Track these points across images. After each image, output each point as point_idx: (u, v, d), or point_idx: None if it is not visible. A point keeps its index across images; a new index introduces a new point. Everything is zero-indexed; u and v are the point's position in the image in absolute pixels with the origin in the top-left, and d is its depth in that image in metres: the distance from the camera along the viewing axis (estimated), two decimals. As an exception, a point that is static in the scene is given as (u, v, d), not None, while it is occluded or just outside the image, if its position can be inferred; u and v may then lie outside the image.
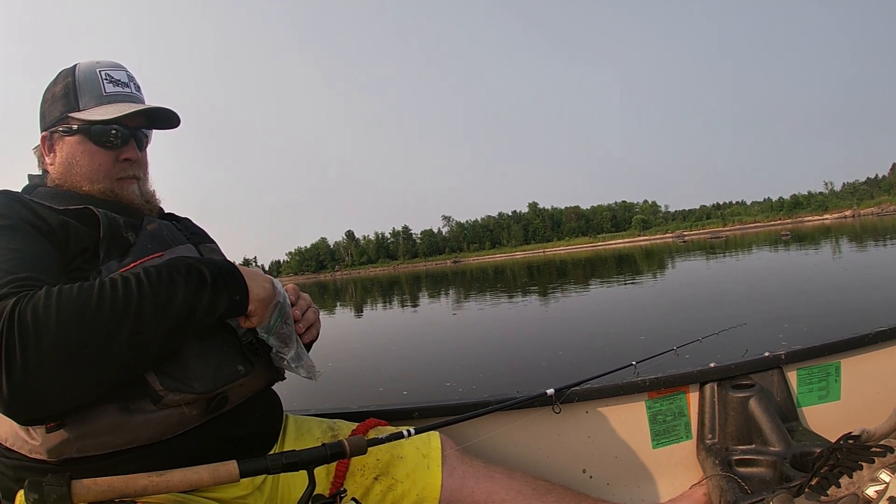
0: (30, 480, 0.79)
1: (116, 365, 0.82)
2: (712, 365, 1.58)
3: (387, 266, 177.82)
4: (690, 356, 1.77)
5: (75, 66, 1.15)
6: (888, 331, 1.59)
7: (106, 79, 1.15)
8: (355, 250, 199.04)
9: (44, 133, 1.15)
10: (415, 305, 18.92)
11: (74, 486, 0.80)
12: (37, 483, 0.79)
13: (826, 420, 1.57)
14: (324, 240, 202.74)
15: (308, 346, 1.24)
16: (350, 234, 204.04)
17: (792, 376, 1.59)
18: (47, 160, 1.16)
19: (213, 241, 1.30)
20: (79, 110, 1.12)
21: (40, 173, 1.18)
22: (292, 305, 1.13)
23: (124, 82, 1.18)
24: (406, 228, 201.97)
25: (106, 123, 1.12)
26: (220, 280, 0.94)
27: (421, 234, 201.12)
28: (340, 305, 22.68)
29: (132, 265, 0.99)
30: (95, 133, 1.12)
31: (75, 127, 1.12)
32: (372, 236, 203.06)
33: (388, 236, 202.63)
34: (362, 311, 18.57)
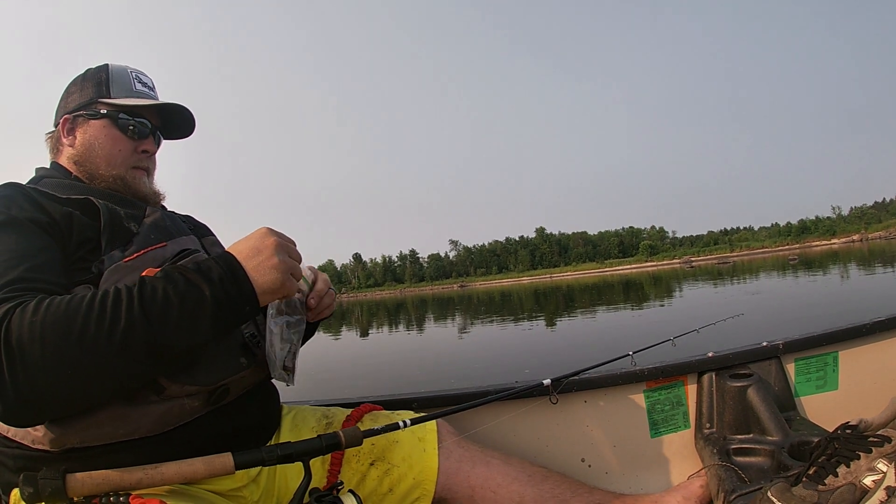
0: (24, 475, 0.79)
1: (104, 385, 0.81)
2: (710, 354, 1.58)
3: (393, 289, 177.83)
4: (687, 347, 1.76)
5: (107, 63, 1.23)
6: (886, 321, 1.59)
7: (136, 79, 1.23)
8: (362, 273, 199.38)
9: (66, 116, 1.19)
10: (421, 326, 18.89)
11: (69, 480, 0.80)
12: (31, 477, 0.79)
13: (824, 410, 1.57)
14: (331, 262, 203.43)
15: (316, 325, 1.26)
16: (357, 257, 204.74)
17: (790, 366, 1.59)
18: (65, 141, 1.19)
19: (213, 235, 1.32)
20: (110, 97, 1.19)
21: (47, 166, 1.21)
22: (310, 289, 1.13)
23: (150, 86, 1.26)
24: (413, 252, 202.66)
25: (134, 112, 1.19)
26: (224, 299, 0.86)
27: (428, 257, 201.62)
28: (346, 328, 22.64)
29: (136, 255, 0.99)
30: (122, 121, 1.18)
31: (104, 111, 1.18)
32: (379, 259, 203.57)
33: (395, 259, 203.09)
34: (368, 331, 18.54)
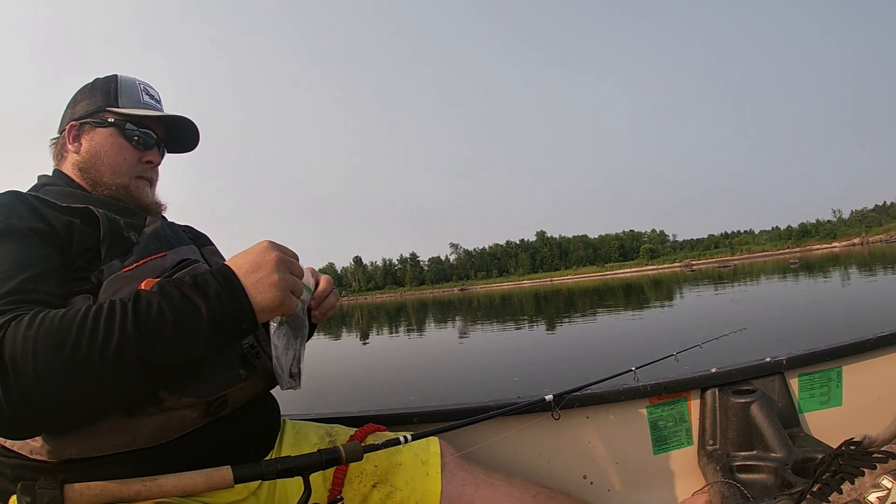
0: (22, 484, 0.78)
1: (99, 400, 0.80)
2: (713, 370, 1.57)
3: (394, 292, 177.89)
4: (690, 362, 1.76)
5: (116, 74, 1.24)
6: (890, 336, 1.58)
7: (143, 91, 1.24)
8: (363, 276, 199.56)
9: (73, 122, 1.19)
10: (420, 329, 18.91)
11: (67, 491, 0.79)
12: (29, 487, 0.78)
13: (828, 426, 1.56)
14: (331, 265, 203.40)
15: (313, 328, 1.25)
16: (358, 260, 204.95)
17: (793, 382, 1.58)
18: (70, 148, 1.19)
19: (213, 244, 1.32)
20: (118, 107, 1.20)
21: (50, 174, 1.21)
22: (312, 294, 1.14)
23: (157, 99, 1.27)
24: (414, 255, 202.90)
25: (140, 122, 1.20)
26: (220, 315, 0.84)
27: (428, 261, 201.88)
28: (346, 331, 22.66)
29: (135, 265, 0.99)
30: (128, 130, 1.19)
31: (111, 120, 1.18)
32: (379, 262, 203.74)
33: (396, 263, 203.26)
34: (368, 334, 18.55)
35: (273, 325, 1.06)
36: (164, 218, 1.26)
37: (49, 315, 0.79)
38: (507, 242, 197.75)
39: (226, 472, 0.87)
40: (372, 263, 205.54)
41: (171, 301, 0.82)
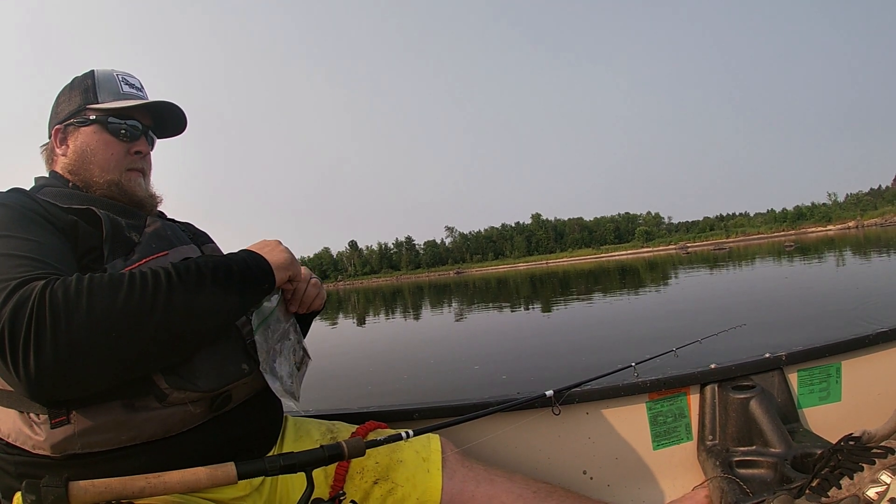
0: (27, 482, 0.78)
1: (143, 353, 0.83)
2: (713, 366, 1.58)
3: (389, 276, 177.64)
4: (690, 358, 1.77)
5: (93, 70, 1.24)
6: (889, 332, 1.59)
7: (122, 81, 1.24)
8: (358, 260, 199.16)
9: (57, 126, 1.20)
10: (417, 314, 18.96)
11: (72, 488, 0.80)
12: (34, 485, 0.78)
13: (827, 421, 1.57)
14: (326, 250, 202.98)
15: (311, 317, 1.29)
16: (353, 244, 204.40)
17: (793, 377, 1.59)
18: (59, 151, 1.20)
19: (213, 242, 1.33)
20: (97, 103, 1.19)
21: (47, 175, 1.21)
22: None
23: (138, 87, 1.27)
24: (409, 239, 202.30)
25: (123, 114, 1.20)
26: (247, 271, 0.99)
27: (424, 244, 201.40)
28: (343, 315, 22.67)
29: (138, 264, 1.00)
30: (112, 124, 1.19)
31: (93, 117, 1.18)
32: (375, 246, 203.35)
33: (391, 247, 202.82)
34: (365, 320, 18.57)
35: (257, 337, 1.07)
36: (163, 216, 1.27)
37: (95, 275, 0.84)
38: (503, 225, 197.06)
39: (229, 468, 0.88)
40: (367, 247, 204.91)
41: (207, 261, 0.95)
